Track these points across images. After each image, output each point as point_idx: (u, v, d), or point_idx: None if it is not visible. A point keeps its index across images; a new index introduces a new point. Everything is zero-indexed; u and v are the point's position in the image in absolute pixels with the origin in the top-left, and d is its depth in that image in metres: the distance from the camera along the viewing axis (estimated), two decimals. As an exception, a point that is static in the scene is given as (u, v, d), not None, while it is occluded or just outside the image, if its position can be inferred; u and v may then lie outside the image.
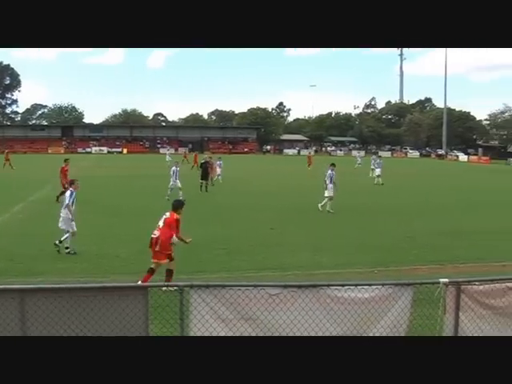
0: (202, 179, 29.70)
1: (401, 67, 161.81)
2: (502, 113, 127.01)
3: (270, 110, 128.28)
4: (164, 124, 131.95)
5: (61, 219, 13.72)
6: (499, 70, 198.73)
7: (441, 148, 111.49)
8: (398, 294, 6.18)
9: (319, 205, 22.22)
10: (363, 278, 10.41)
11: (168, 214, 10.63)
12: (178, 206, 10.74)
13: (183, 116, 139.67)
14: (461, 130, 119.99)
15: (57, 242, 13.65)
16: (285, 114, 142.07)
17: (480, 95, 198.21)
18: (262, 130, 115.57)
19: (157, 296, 6.23)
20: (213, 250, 14.02)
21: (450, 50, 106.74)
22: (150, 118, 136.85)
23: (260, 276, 11.30)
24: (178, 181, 25.91)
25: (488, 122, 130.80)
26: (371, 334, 6.06)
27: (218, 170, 36.26)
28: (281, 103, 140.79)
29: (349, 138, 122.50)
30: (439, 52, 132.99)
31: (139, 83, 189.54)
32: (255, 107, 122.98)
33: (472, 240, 16.25)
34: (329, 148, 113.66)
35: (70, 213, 13.66)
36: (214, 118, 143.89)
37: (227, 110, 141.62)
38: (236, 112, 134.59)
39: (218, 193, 28.70)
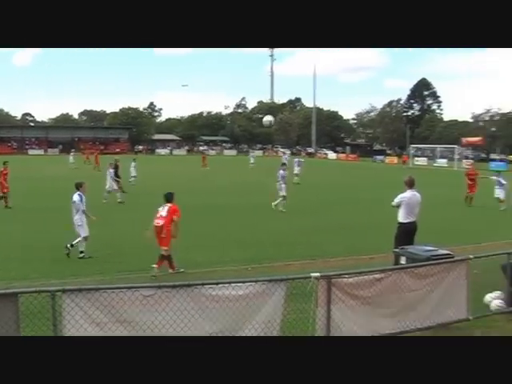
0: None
1: (271, 67, 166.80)
2: (368, 112, 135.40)
3: (141, 110, 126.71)
4: (32, 124, 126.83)
5: (77, 225, 13.43)
6: (365, 71, 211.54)
7: (310, 146, 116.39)
8: (271, 289, 6.38)
9: (273, 204, 22.76)
10: (238, 276, 10.60)
11: (167, 205, 12.20)
12: (171, 197, 12.38)
13: (53, 116, 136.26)
14: (329, 129, 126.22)
15: (68, 245, 13.38)
16: (156, 114, 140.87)
17: (348, 95, 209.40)
18: (134, 130, 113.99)
19: (28, 302, 5.90)
20: (92, 253, 13.51)
21: (318, 50, 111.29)
22: (19, 118, 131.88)
23: (135, 277, 11.11)
24: (114, 183, 25.89)
25: (355, 121, 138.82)
26: (247, 330, 6.20)
27: (297, 169, 37.44)
28: (151, 103, 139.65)
29: (221, 138, 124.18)
30: (308, 53, 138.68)
31: (5, 82, 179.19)
32: (127, 107, 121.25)
33: (342, 235, 17.15)
34: (201, 147, 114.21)
35: (86, 215, 13.54)
36: (84, 117, 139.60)
37: (98, 109, 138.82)
38: (107, 112, 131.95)
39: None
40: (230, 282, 6.29)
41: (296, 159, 41.02)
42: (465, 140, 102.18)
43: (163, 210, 12.20)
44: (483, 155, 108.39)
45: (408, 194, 11.58)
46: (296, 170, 38.26)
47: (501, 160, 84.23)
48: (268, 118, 32.62)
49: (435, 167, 76.16)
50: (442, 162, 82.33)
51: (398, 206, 11.54)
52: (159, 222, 12.01)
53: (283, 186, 22.97)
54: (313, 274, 6.72)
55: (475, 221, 21.18)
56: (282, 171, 23.53)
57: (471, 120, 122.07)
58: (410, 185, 11.66)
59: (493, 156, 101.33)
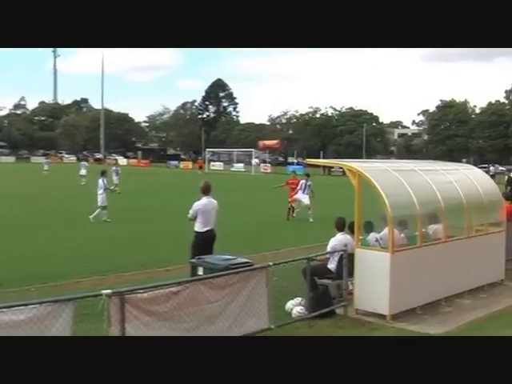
0: None
1: (54, 64, 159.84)
2: (161, 114, 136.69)
3: None
4: None
5: None
6: (157, 70, 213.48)
7: (99, 151, 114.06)
8: (58, 311, 6.25)
9: (90, 216, 22.15)
10: (19, 298, 10.05)
11: None
12: None
13: None
14: (120, 133, 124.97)
15: None
16: None
17: (139, 96, 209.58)
18: None
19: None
20: None
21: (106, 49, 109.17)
22: None
23: None
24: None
25: (147, 124, 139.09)
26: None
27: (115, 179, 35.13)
28: None
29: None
30: (94, 51, 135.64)
31: None
32: None
33: (135, 246, 17.17)
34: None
35: None
36: None
37: None
38: None
39: None
40: (10, 306, 6.03)
41: (114, 168, 40.39)
42: (261, 143, 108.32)
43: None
44: (281, 159, 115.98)
45: (203, 201, 11.80)
46: (115, 179, 37.98)
47: (298, 163, 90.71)
48: None
49: (232, 172, 79.43)
50: (239, 166, 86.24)
51: (195, 218, 11.76)
52: None
53: (102, 195, 22.93)
54: (103, 292, 6.71)
55: (275, 226, 22.55)
56: (101, 180, 23.33)
57: (268, 123, 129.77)
58: (206, 191, 11.91)
59: (290, 159, 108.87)
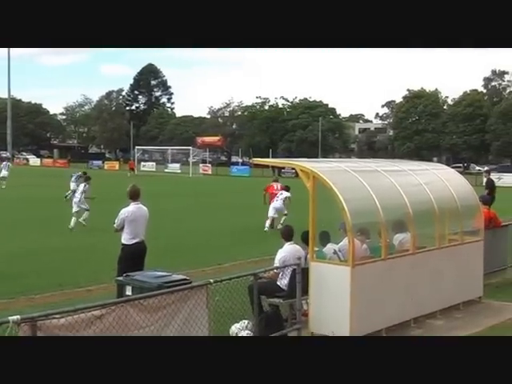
0: None
1: None
2: (81, 106, 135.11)
3: None
4: None
5: None
6: (74, 53, 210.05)
7: (5, 150, 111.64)
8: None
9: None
10: None
11: None
12: None
13: None
14: (31, 127, 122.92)
15: None
16: None
17: (54, 83, 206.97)
18: None
19: None
20: None
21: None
22: None
23: None
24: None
25: (64, 117, 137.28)
26: None
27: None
28: None
29: None
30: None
31: None
32: None
33: (46, 262, 16.87)
34: None
35: None
36: None
37: None
38: None
39: None
40: None
41: (4, 162, 40.13)
42: (200, 140, 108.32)
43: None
44: (224, 158, 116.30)
45: (131, 208, 11.69)
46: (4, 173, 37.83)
47: (243, 163, 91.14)
48: None
49: (166, 174, 79.10)
50: (175, 167, 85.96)
51: (122, 228, 11.66)
52: None
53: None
54: (11, 318, 6.55)
55: (217, 237, 22.51)
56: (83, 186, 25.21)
57: (208, 116, 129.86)
58: (134, 196, 11.81)
59: (234, 159, 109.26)
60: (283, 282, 11.11)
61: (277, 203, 24.65)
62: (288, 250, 11.23)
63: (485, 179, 32.32)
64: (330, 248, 11.12)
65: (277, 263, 11.25)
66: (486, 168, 61.10)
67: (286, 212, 24.71)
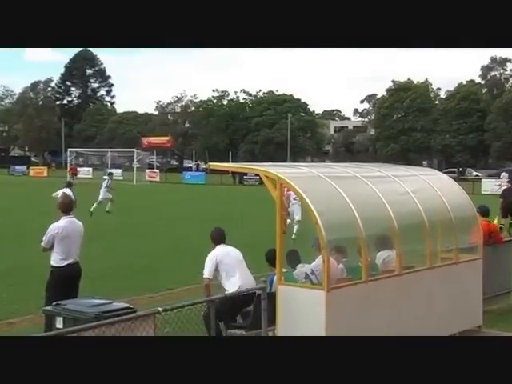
0: None
1: None
2: (1, 99, 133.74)
3: None
4: None
5: None
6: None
7: None
8: None
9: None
10: None
11: None
12: None
13: None
14: None
15: None
16: None
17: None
18: None
19: None
20: None
21: None
22: None
23: None
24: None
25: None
26: None
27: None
28: None
29: None
30: None
31: None
32: None
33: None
34: None
35: None
36: None
37: None
38: None
39: None
40: None
41: None
42: (146, 141, 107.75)
43: None
44: (174, 162, 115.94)
45: (62, 222, 11.62)
46: None
47: (197, 168, 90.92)
48: None
49: (105, 181, 78.53)
50: (116, 173, 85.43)
51: (52, 247, 11.56)
52: None
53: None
54: None
55: (168, 256, 22.37)
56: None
57: (156, 112, 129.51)
58: (66, 209, 11.79)
59: (187, 163, 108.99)
60: (228, 284, 11.32)
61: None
62: (219, 250, 11.45)
63: (504, 187, 32.72)
64: (301, 269, 11.13)
65: (209, 265, 11.38)
66: (504, 174, 60.72)
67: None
